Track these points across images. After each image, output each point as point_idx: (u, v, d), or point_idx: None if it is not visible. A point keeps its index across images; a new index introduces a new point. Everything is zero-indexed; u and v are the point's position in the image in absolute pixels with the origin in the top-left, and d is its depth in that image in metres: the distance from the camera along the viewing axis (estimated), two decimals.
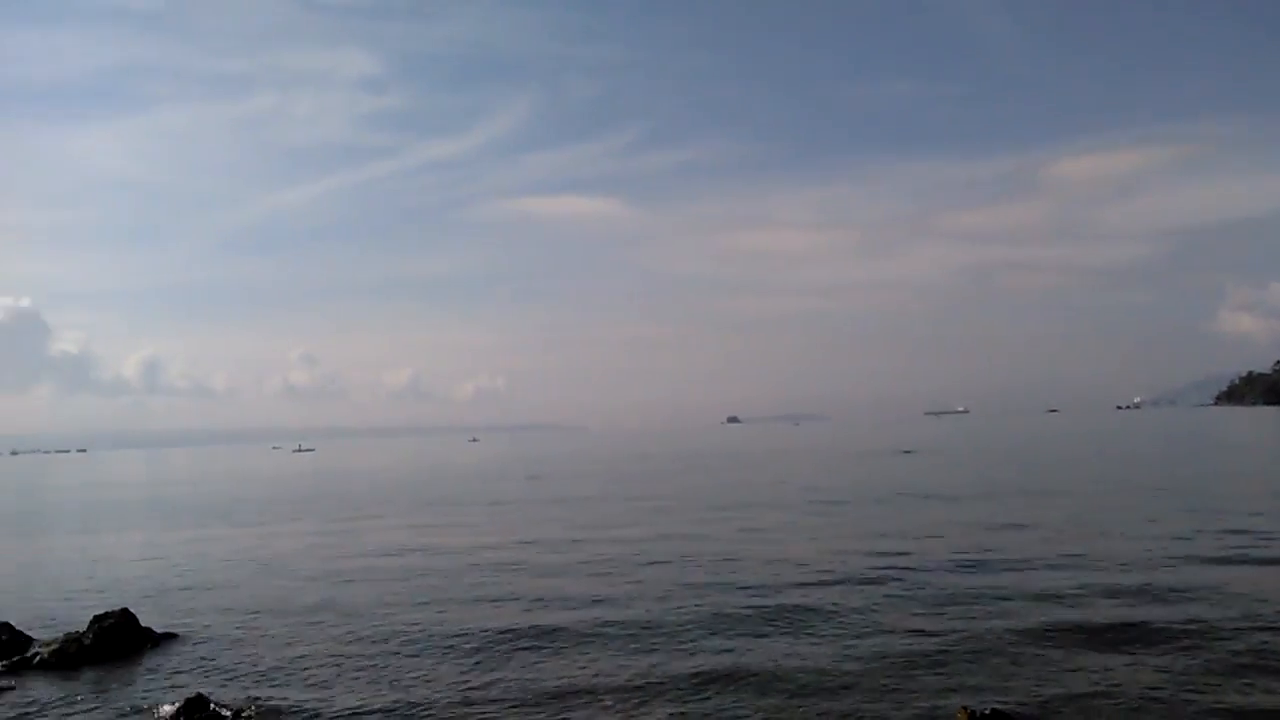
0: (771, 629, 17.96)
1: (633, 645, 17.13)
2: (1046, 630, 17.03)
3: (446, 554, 30.69)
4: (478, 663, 16.39)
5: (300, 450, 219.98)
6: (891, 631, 17.37)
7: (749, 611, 19.40)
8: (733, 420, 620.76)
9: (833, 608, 19.45)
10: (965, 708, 12.72)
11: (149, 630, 19.14)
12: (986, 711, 12.52)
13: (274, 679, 16.10)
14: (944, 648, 16.20)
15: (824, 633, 17.55)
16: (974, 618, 18.21)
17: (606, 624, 18.82)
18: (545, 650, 17.03)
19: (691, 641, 17.28)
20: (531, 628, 18.71)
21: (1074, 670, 14.72)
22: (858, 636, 17.17)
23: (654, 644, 17.17)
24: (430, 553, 31.18)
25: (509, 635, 18.18)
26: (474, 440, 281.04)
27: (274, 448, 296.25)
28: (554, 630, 18.45)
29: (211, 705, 14.12)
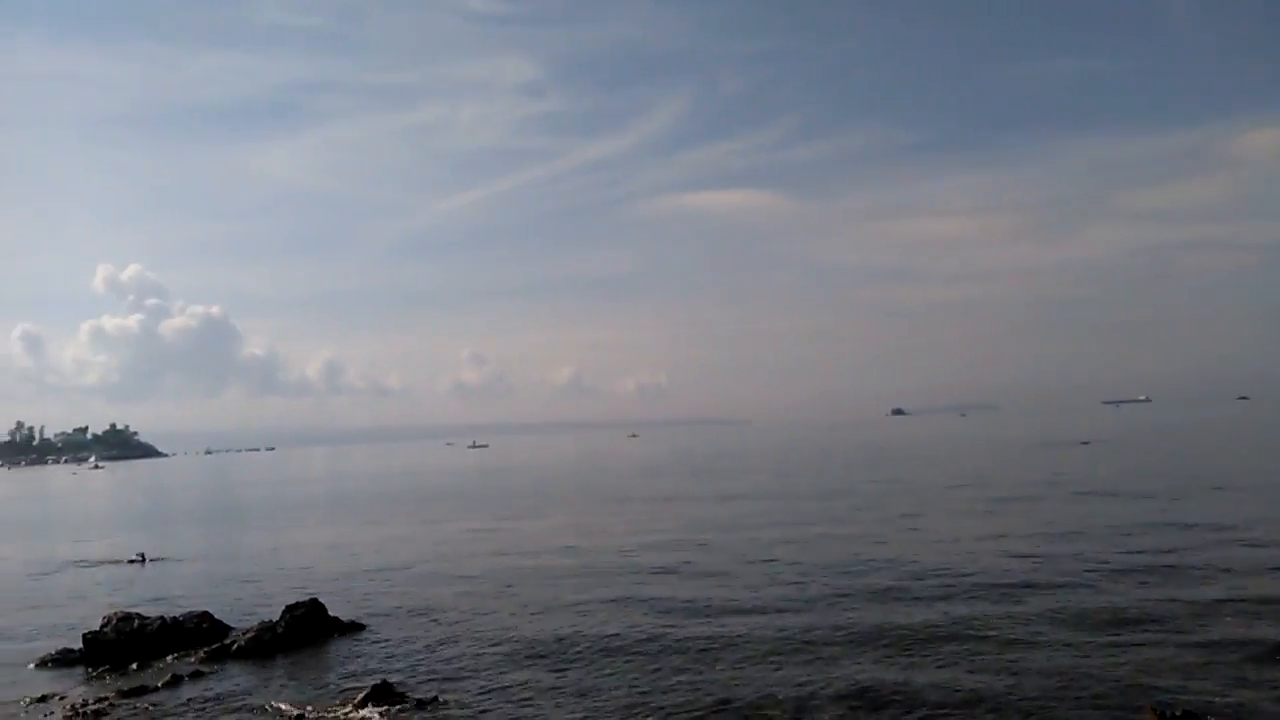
0: (940, 642, 16.81)
1: (801, 656, 16.33)
2: (1243, 642, 15.81)
3: (614, 553, 30.87)
4: (654, 669, 16.09)
5: (474, 446, 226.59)
6: (1070, 645, 16.20)
7: (919, 622, 18.29)
8: (898, 412, 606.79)
9: (1007, 618, 18.21)
10: (1154, 708, 12.00)
11: (336, 619, 20.03)
12: (1178, 713, 11.77)
13: (454, 669, 16.52)
14: (1125, 657, 15.27)
15: (989, 649, 16.22)
16: (1168, 630, 17.01)
17: (772, 631, 18.24)
18: (709, 656, 16.64)
19: (858, 654, 16.48)
20: (696, 634, 18.38)
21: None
22: (1032, 648, 16.19)
23: (822, 654, 16.51)
24: (599, 552, 31.32)
25: (675, 639, 17.92)
26: (634, 436, 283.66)
27: (447, 444, 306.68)
28: (717, 636, 18.09)
29: (397, 692, 14.64)
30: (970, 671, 14.89)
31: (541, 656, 17.05)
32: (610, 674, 15.77)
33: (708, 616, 19.83)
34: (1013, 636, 16.86)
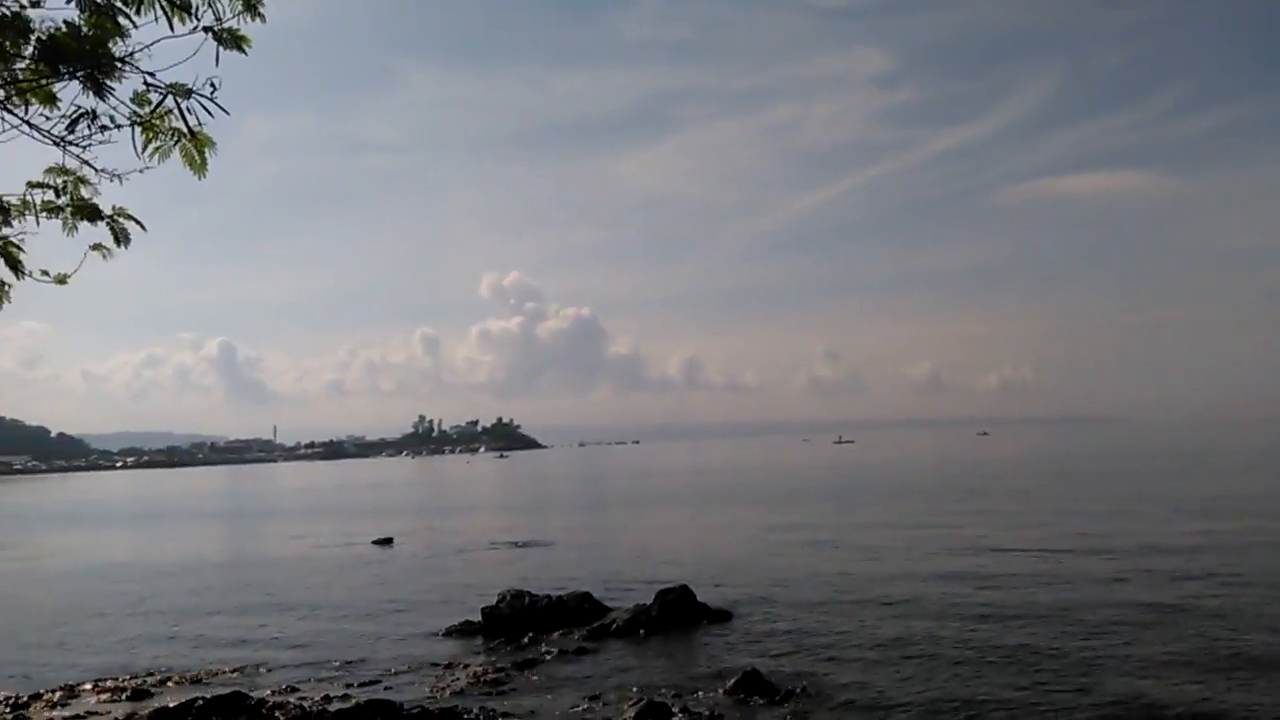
0: None
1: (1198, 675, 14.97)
2: None
3: (986, 552, 29.64)
4: (1035, 676, 15.42)
5: (840, 442, 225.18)
6: None
7: None
8: None
9: None
10: None
11: (704, 605, 20.64)
12: None
13: (820, 662, 16.47)
14: None
15: None
16: None
17: (1157, 650, 16.85)
18: (1096, 669, 15.67)
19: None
20: (1072, 645, 17.38)
21: None
22: None
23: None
24: (966, 551, 30.28)
25: (1054, 649, 17.00)
26: (983, 434, 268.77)
27: (804, 440, 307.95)
28: (1103, 649, 16.96)
29: (766, 681, 14.80)
30: None
31: (909, 658, 16.54)
32: (979, 678, 15.04)
33: (1085, 628, 18.38)
34: None
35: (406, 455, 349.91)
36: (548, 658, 17.58)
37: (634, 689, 15.06)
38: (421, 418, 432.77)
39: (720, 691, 14.57)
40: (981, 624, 18.65)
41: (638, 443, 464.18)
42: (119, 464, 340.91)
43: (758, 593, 23.24)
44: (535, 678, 16.34)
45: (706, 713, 13.59)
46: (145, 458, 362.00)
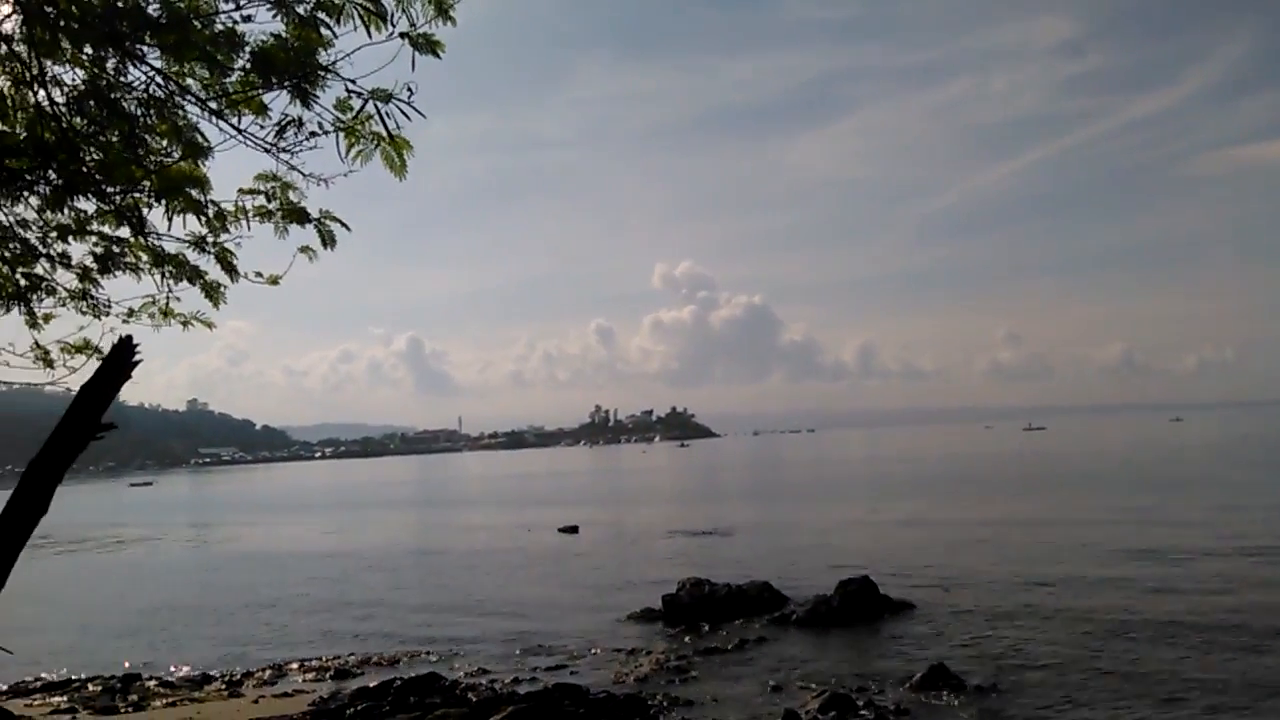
0: None
1: None
2: None
3: (1177, 550, 27.96)
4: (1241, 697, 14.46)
5: (1030, 429, 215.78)
6: None
7: None
8: None
9: None
10: None
11: (886, 597, 20.21)
12: None
13: (1009, 656, 15.89)
14: None
15: None
16: None
17: None
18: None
19: None
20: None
21: None
22: None
23: None
24: (1166, 549, 28.54)
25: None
26: (1176, 419, 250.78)
27: (986, 427, 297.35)
28: None
29: (953, 675, 14.37)
30: None
31: (1100, 660, 15.69)
32: (1178, 697, 14.08)
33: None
34: None
35: (584, 445, 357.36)
36: (728, 646, 17.60)
37: (816, 680, 14.90)
38: (598, 408, 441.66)
39: (906, 686, 14.24)
40: (1184, 633, 17.35)
41: (812, 431, 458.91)
42: (318, 454, 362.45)
43: (941, 585, 22.61)
44: (716, 665, 16.40)
45: (892, 707, 13.31)
46: (342, 448, 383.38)
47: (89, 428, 3.91)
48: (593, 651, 17.90)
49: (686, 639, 18.59)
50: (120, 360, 3.94)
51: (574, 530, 40.99)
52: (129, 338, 4.13)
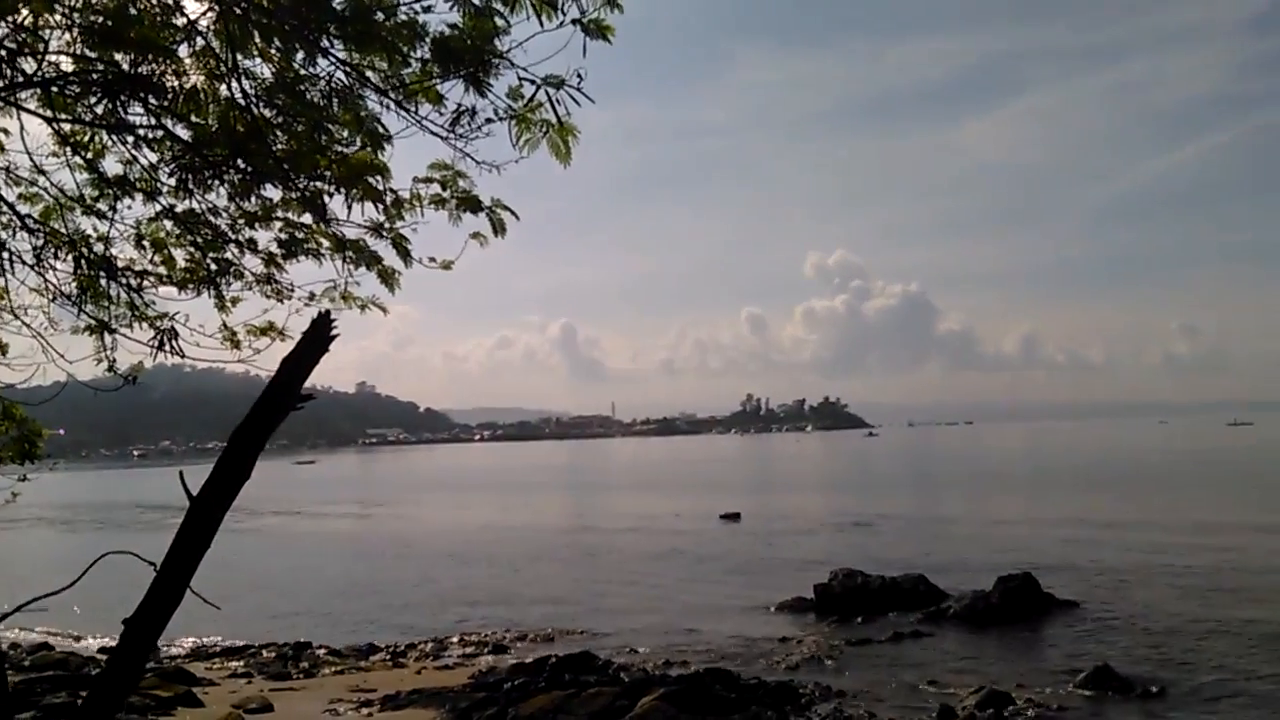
0: None
1: None
2: None
3: None
4: None
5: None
6: None
7: None
8: None
9: None
10: None
11: (1050, 595, 19.52)
12: None
13: (1178, 659, 15.22)
14: None
15: None
16: None
17: None
18: None
19: None
20: None
21: None
22: None
23: None
24: None
25: None
26: None
27: (1160, 422, 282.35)
28: None
29: (1119, 676, 13.78)
30: None
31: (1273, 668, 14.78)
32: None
33: None
34: None
35: (735, 433, 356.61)
36: (881, 638, 17.36)
37: (973, 675, 14.56)
38: (749, 396, 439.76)
39: (1069, 685, 13.76)
40: None
41: (970, 423, 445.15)
42: (477, 437, 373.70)
43: (1107, 585, 21.73)
44: (869, 657, 16.21)
45: (1054, 705, 12.91)
46: (499, 431, 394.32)
47: (289, 398, 4.15)
48: (743, 638, 17.94)
49: (838, 629, 18.45)
50: (320, 334, 4.17)
51: (737, 517, 41.04)
52: (327, 313, 4.35)
